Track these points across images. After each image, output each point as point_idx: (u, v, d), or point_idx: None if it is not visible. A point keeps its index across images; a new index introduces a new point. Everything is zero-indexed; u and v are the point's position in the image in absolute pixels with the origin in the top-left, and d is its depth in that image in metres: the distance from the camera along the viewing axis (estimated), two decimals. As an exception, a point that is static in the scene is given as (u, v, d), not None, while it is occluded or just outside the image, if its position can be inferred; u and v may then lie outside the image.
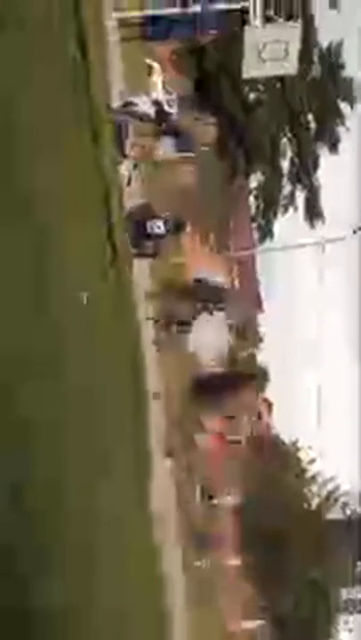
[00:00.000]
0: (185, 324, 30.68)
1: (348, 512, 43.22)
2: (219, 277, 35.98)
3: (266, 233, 39.71)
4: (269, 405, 46.86)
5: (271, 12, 22.74)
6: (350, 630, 43.91)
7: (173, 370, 28.95)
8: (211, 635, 30.83)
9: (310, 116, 36.72)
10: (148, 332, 24.88)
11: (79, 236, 10.67)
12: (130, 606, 12.88)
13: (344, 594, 43.57)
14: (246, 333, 41.00)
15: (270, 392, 44.63)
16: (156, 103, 19.40)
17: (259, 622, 37.75)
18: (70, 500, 8.80)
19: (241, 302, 40.12)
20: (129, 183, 21.25)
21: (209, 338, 32.59)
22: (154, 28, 28.10)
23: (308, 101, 35.96)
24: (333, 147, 37.23)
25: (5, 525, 6.21)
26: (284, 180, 38.19)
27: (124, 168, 20.52)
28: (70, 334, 9.51)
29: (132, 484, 16.60)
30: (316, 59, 35.58)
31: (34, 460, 7.24)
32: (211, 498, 34.12)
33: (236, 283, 41.00)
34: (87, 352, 10.75)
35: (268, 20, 22.80)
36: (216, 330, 33.32)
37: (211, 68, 33.33)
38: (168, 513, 23.82)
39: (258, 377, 40.92)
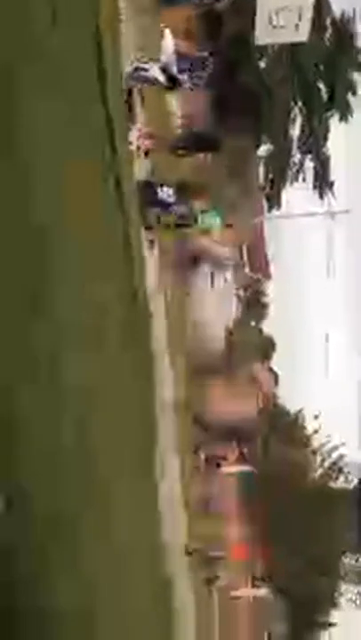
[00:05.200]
0: None
1: (352, 481, 43.39)
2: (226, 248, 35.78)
3: (274, 202, 39.60)
4: (275, 375, 46.79)
5: (284, -21, 22.46)
6: (355, 600, 44.25)
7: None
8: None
9: (322, 85, 36.50)
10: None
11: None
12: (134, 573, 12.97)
13: (349, 563, 43.81)
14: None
15: (276, 362, 44.52)
16: (165, 69, 19.34)
17: (263, 590, 37.97)
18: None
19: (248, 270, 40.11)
20: (138, 149, 21.04)
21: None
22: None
23: (319, 70, 35.74)
24: (344, 116, 37.04)
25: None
26: (294, 150, 38.03)
27: (134, 137, 20.36)
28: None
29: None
30: (328, 27, 35.31)
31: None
32: (217, 467, 34.04)
33: (245, 250, 40.89)
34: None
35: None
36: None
37: (224, 35, 33.01)
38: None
39: (265, 346, 40.90)
